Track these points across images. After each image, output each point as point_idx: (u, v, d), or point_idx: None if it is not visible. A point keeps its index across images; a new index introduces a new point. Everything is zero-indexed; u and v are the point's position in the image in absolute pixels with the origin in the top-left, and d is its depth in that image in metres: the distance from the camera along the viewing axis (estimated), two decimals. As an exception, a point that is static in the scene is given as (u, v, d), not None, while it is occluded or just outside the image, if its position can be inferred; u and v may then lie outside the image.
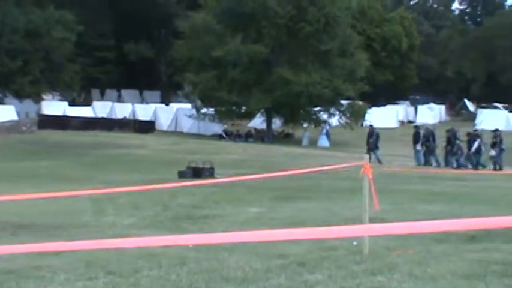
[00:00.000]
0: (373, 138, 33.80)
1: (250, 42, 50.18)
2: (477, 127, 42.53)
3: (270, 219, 11.36)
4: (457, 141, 32.14)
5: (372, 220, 8.32)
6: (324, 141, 46.44)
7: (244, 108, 53.83)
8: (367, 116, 57.11)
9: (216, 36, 50.18)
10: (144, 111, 56.84)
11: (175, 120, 56.11)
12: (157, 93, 71.36)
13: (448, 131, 33.13)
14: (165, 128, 54.62)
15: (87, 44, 62.40)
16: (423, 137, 33.29)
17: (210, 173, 20.78)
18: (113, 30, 67.64)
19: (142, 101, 67.60)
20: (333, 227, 4.05)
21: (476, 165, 30.78)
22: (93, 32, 62.84)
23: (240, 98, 50.89)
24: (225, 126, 56.43)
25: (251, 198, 14.96)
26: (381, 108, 68.57)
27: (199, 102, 54.13)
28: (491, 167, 31.26)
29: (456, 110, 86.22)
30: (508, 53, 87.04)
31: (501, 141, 31.79)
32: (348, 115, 55.30)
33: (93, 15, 61.63)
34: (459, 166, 31.19)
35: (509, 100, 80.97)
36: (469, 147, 31.23)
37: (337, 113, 55.61)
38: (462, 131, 34.66)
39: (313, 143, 47.80)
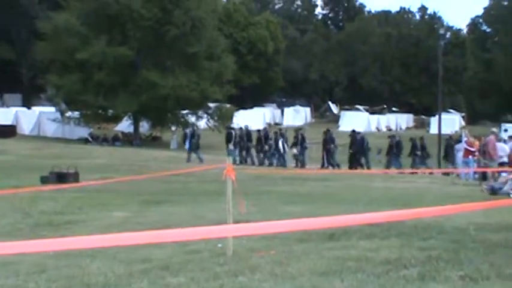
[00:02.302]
0: (195, 139, 35.13)
1: (116, 44, 49.49)
2: (282, 126, 45.43)
3: (136, 224, 11.23)
4: (270, 142, 34.25)
5: (237, 222, 8.40)
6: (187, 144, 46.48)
7: (110, 111, 53.01)
8: (234, 119, 57.65)
9: (80, 38, 49.08)
10: (4, 115, 54.39)
11: (38, 124, 54.36)
12: (18, 96, 68.56)
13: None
14: (27, 132, 52.73)
15: None
16: (238, 137, 35.04)
17: (74, 178, 20.29)
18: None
19: (3, 104, 64.88)
20: (195, 228, 4.09)
21: (283, 163, 33.36)
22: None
23: (106, 101, 50.06)
24: (91, 130, 55.34)
25: (117, 202, 14.74)
26: (248, 111, 69.44)
27: (63, 106, 52.80)
28: (293, 164, 33.41)
29: (321, 112, 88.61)
30: (368, 57, 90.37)
31: (304, 139, 33.75)
32: (216, 118, 55.64)
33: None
34: (270, 164, 33.82)
35: (370, 102, 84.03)
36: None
37: (205, 115, 55.84)
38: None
39: (181, 145, 47.69)
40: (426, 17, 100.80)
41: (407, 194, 17.79)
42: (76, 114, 52.63)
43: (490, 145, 22.39)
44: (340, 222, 5.27)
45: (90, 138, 51.90)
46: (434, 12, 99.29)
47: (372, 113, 79.81)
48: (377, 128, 72.85)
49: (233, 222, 8.07)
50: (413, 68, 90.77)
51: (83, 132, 53.40)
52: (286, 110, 79.35)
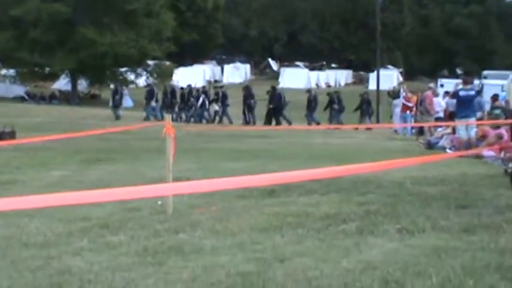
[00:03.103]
0: (118, 96, 35.58)
1: (51, 1, 48.32)
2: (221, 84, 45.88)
3: (76, 182, 11.12)
4: (192, 99, 34.93)
5: (177, 179, 8.40)
6: (128, 102, 45.93)
7: (47, 69, 52.03)
8: (174, 76, 57.25)
9: (13, -6, 47.76)
10: None
11: (-28, 82, 53.07)
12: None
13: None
14: (-40, 91, 51.48)
15: None
16: (163, 94, 36.05)
17: (11, 136, 19.93)
18: None
19: None
20: (136, 187, 4.06)
21: (200, 119, 34.05)
22: None
23: (42, 59, 49.07)
24: (28, 88, 54.26)
25: (56, 161, 14.54)
26: (188, 68, 68.95)
27: (-2, 63, 51.59)
28: (217, 119, 34.32)
29: (260, 68, 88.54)
30: (307, 14, 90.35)
31: (225, 96, 34.46)
32: (155, 75, 55.17)
33: None
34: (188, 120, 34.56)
35: (309, 59, 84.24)
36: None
37: (144, 73, 55.32)
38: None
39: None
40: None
41: (347, 150, 18.02)
42: (12, 72, 51.51)
43: (427, 100, 22.76)
44: (281, 179, 5.31)
45: (26, 97, 50.92)
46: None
47: (312, 69, 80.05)
48: (316, 85, 73.12)
49: (173, 180, 8.06)
50: (351, 25, 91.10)
51: (19, 90, 52.33)
52: (226, 67, 79.03)
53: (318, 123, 32.44)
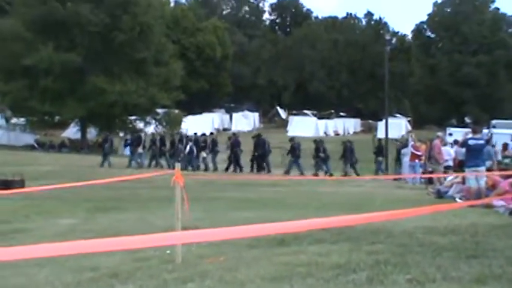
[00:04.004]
0: (108, 144, 36.30)
1: (63, 50, 48.89)
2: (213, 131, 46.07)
3: (84, 232, 11.10)
4: (180, 146, 35.20)
5: (186, 228, 8.36)
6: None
7: (57, 117, 52.38)
8: (183, 125, 57.50)
9: (25, 43, 48.35)
10: (-51, 122, 53.58)
11: (-17, 131, 53.46)
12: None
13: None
14: (-29, 139, 51.83)
15: None
16: (151, 142, 36.05)
17: (20, 185, 19.97)
18: None
19: None
20: (145, 236, 4.05)
21: (186, 166, 33.33)
22: None
23: (52, 108, 49.46)
24: (38, 136, 54.58)
25: (64, 210, 14.57)
26: (197, 116, 69.34)
27: (9, 112, 51.96)
28: (203, 166, 34.56)
29: (269, 117, 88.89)
30: (315, 63, 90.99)
31: (215, 144, 35.23)
32: (165, 123, 55.44)
33: None
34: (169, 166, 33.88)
35: (318, 107, 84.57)
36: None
37: (154, 121, 55.60)
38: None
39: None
40: (372, 23, 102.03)
41: (356, 199, 17.96)
42: (22, 120, 51.86)
43: (436, 149, 22.75)
44: (290, 228, 5.30)
45: (36, 145, 51.17)
46: (380, 18, 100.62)
47: (320, 117, 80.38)
48: (325, 133, 73.38)
49: (182, 228, 8.03)
50: (360, 73, 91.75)
51: (29, 139, 52.67)
52: (234, 115, 79.43)
53: (302, 173, 32.56)
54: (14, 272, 7.35)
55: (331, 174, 32.20)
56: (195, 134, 39.69)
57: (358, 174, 32.95)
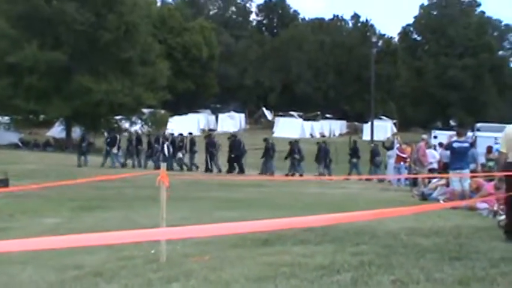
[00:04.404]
0: (85, 143, 36.38)
1: (48, 48, 48.64)
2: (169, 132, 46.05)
3: (68, 230, 11.04)
4: (156, 146, 35.23)
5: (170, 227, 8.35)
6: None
7: (42, 116, 52.09)
8: (169, 125, 57.40)
9: (10, 41, 48.04)
10: None
11: (-33, 129, 53.10)
12: None
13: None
14: (-46, 137, 51.43)
15: None
16: (127, 141, 36.34)
17: (4, 184, 19.89)
18: None
19: None
20: (129, 231, 4.04)
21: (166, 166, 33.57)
22: None
23: (37, 106, 49.16)
24: (22, 135, 54.29)
25: (48, 208, 14.52)
26: (183, 117, 69.23)
27: (-7, 110, 51.65)
28: (177, 167, 34.47)
29: (255, 118, 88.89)
30: (302, 64, 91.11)
31: (194, 143, 35.39)
32: (150, 123, 55.31)
33: None
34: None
35: (304, 109, 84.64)
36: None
37: (139, 121, 55.44)
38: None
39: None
40: (359, 25, 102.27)
41: (341, 200, 18.03)
42: (6, 119, 51.55)
43: (421, 151, 22.86)
44: (274, 226, 5.29)
45: (20, 144, 50.90)
46: (367, 20, 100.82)
47: (306, 119, 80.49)
48: (311, 135, 73.48)
49: (166, 227, 8.02)
50: (346, 75, 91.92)
51: (13, 137, 52.35)
52: (220, 116, 79.38)
53: (272, 173, 32.98)
54: (-3, 271, 7.32)
55: (300, 175, 32.55)
56: (172, 134, 39.56)
57: (330, 175, 33.24)
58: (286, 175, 32.56)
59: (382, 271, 7.24)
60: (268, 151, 33.94)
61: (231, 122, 77.43)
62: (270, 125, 78.87)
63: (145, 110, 55.86)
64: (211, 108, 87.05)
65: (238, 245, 9.01)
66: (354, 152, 35.45)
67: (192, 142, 35.47)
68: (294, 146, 34.58)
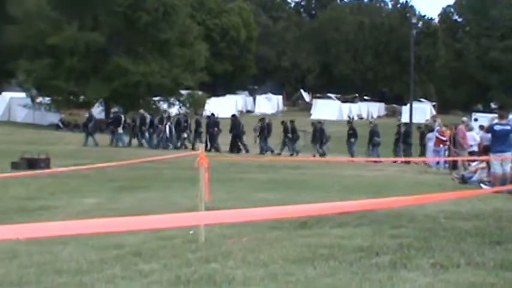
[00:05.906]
0: (92, 123, 36.41)
1: (88, 30, 49.03)
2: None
3: (109, 210, 11.18)
4: (160, 126, 35.18)
5: (209, 209, 8.38)
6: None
7: (82, 97, 52.60)
8: (206, 106, 57.55)
9: (51, 22, 48.51)
10: (-26, 101, 54.01)
11: (9, 109, 53.87)
12: (-13, 82, 67.75)
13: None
14: (-4, 117, 52.24)
15: None
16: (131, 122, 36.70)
17: (45, 163, 20.12)
18: None
19: (-29, 89, 63.99)
20: (169, 215, 4.08)
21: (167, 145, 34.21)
22: None
23: (77, 87, 49.73)
24: (62, 116, 54.90)
25: (89, 189, 14.68)
26: (221, 98, 69.32)
27: (34, 91, 52.28)
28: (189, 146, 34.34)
29: (293, 100, 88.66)
30: (340, 46, 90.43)
31: (199, 125, 35.23)
32: (188, 105, 55.50)
33: None
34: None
35: (342, 91, 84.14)
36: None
37: (177, 102, 55.66)
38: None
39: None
40: (398, 6, 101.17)
41: (379, 183, 17.90)
42: (47, 100, 52.17)
43: (460, 134, 22.60)
44: (313, 211, 5.28)
45: (61, 124, 51.48)
46: (406, 1, 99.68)
47: (344, 101, 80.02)
48: (348, 116, 73.09)
49: (205, 209, 8.05)
50: (385, 57, 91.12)
51: (54, 118, 52.97)
52: (258, 97, 79.30)
53: (272, 151, 33.65)
54: (38, 249, 7.43)
55: (291, 155, 33.10)
56: (178, 114, 39.62)
57: (322, 155, 33.05)
58: (277, 154, 33.09)
59: (421, 254, 7.19)
60: (263, 130, 34.18)
61: (269, 103, 77.31)
62: (308, 107, 78.58)
63: (183, 92, 56.03)
64: (248, 90, 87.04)
65: (276, 227, 9.02)
66: (354, 132, 35.06)
67: (198, 123, 35.40)
68: (287, 126, 34.76)
